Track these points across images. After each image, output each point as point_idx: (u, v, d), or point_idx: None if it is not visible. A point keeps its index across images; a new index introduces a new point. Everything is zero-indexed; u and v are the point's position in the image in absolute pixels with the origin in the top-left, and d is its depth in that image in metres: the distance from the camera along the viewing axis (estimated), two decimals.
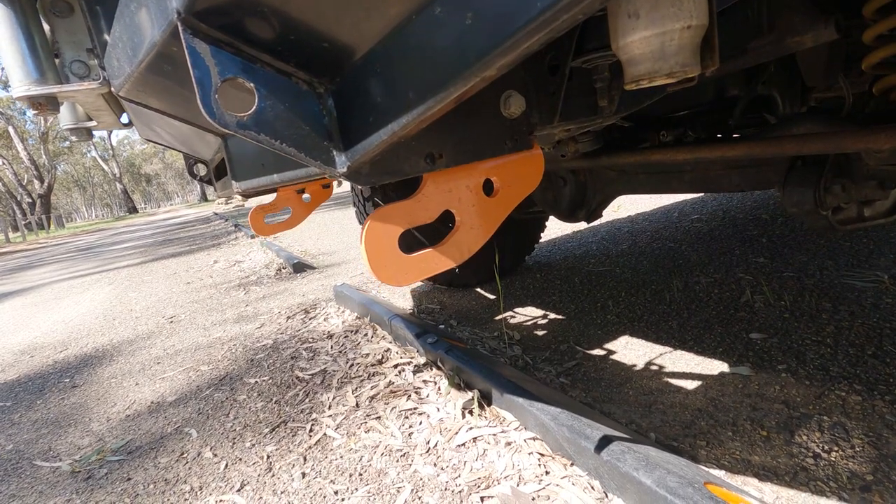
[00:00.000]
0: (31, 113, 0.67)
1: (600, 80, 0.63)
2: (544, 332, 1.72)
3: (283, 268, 3.78)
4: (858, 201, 1.09)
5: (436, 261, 0.60)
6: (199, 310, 3.00)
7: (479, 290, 2.39)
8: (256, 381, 1.71)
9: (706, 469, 0.88)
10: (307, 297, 2.80)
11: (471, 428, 1.12)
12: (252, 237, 6.35)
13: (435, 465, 1.05)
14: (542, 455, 0.98)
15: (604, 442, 0.86)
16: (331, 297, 2.67)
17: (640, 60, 0.44)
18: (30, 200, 36.55)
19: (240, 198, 1.36)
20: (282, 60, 0.47)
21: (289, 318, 2.44)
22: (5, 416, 1.84)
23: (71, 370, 2.25)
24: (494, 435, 1.08)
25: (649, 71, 0.43)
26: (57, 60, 0.69)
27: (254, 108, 0.47)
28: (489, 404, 1.19)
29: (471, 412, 1.18)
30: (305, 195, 1.54)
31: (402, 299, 2.42)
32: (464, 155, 0.59)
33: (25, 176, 39.21)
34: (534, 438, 1.02)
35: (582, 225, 3.53)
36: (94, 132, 1.01)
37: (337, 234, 5.36)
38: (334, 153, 0.51)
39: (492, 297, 2.25)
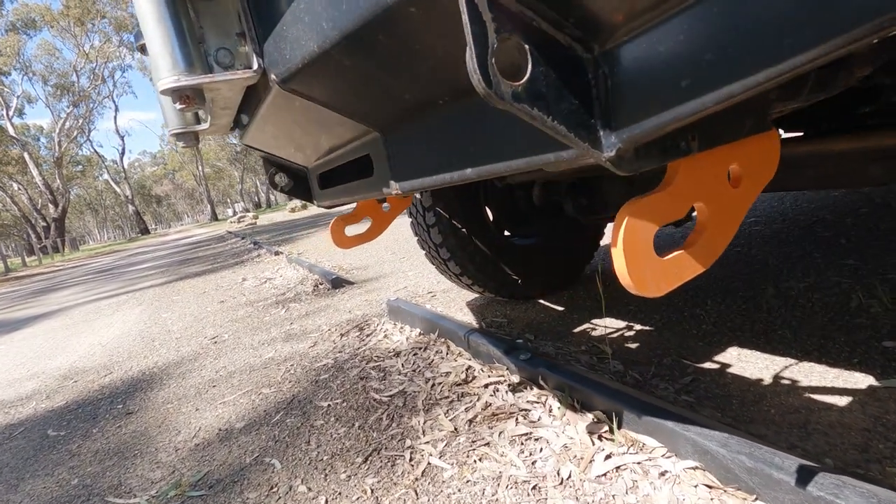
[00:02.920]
0: (177, 107, 0.58)
1: None
2: (636, 344, 1.61)
3: (320, 284, 3.69)
4: None
5: (688, 264, 0.49)
6: (242, 329, 2.91)
7: (542, 301, 2.28)
8: (329, 405, 1.61)
9: None
10: (354, 314, 2.70)
11: (608, 455, 1.00)
12: (276, 254, 6.29)
13: (577, 499, 0.93)
14: (710, 487, 0.86)
15: (804, 473, 0.74)
16: (381, 313, 2.57)
17: None
18: (44, 224, 37.06)
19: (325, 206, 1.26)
20: (559, 16, 0.38)
21: (342, 335, 2.34)
22: (63, 446, 1.74)
23: (121, 395, 2.16)
24: (639, 463, 0.96)
25: None
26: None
27: (527, 75, 0.37)
28: (618, 427, 1.08)
29: (599, 437, 1.06)
30: (385, 204, 1.45)
31: (460, 313, 2.31)
32: (711, 138, 0.49)
33: (40, 200, 39.83)
34: (694, 468, 0.90)
35: None
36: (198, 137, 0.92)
37: (364, 249, 5.27)
38: (601, 133, 0.41)
39: (559, 308, 2.13)
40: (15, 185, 39.60)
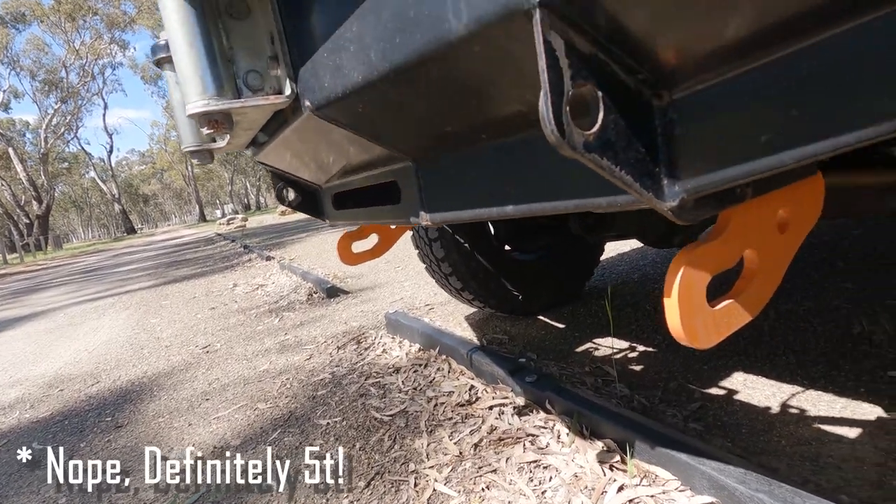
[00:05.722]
0: (205, 131, 0.56)
1: None
2: (641, 366, 1.60)
3: (315, 292, 3.64)
4: None
5: (737, 313, 0.48)
6: (234, 338, 2.86)
7: (542, 318, 2.27)
8: (328, 423, 1.57)
9: None
10: (350, 325, 2.67)
11: (621, 487, 0.98)
12: (268, 259, 6.22)
13: None
14: None
15: None
16: (378, 325, 2.54)
17: None
18: (27, 221, 36.33)
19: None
20: (635, 62, 0.36)
21: (339, 348, 2.30)
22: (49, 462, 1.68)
23: (109, 406, 2.10)
24: (653, 496, 0.94)
25: None
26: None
27: (598, 123, 0.35)
28: (631, 457, 1.06)
29: (611, 467, 1.05)
30: None
31: (459, 328, 2.29)
32: (764, 184, 0.48)
33: (23, 197, 39.07)
34: None
35: (625, 247, 3.43)
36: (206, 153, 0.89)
37: None
38: (664, 182, 0.40)
39: (560, 325, 2.12)
40: None
